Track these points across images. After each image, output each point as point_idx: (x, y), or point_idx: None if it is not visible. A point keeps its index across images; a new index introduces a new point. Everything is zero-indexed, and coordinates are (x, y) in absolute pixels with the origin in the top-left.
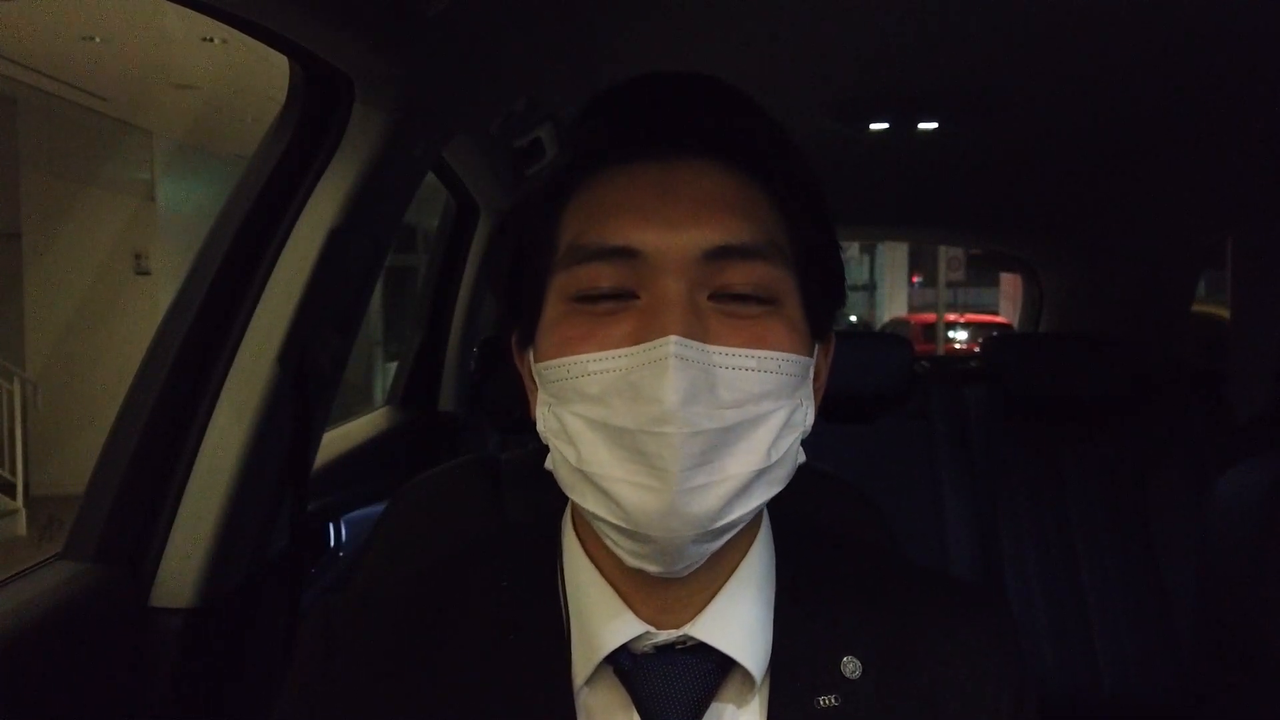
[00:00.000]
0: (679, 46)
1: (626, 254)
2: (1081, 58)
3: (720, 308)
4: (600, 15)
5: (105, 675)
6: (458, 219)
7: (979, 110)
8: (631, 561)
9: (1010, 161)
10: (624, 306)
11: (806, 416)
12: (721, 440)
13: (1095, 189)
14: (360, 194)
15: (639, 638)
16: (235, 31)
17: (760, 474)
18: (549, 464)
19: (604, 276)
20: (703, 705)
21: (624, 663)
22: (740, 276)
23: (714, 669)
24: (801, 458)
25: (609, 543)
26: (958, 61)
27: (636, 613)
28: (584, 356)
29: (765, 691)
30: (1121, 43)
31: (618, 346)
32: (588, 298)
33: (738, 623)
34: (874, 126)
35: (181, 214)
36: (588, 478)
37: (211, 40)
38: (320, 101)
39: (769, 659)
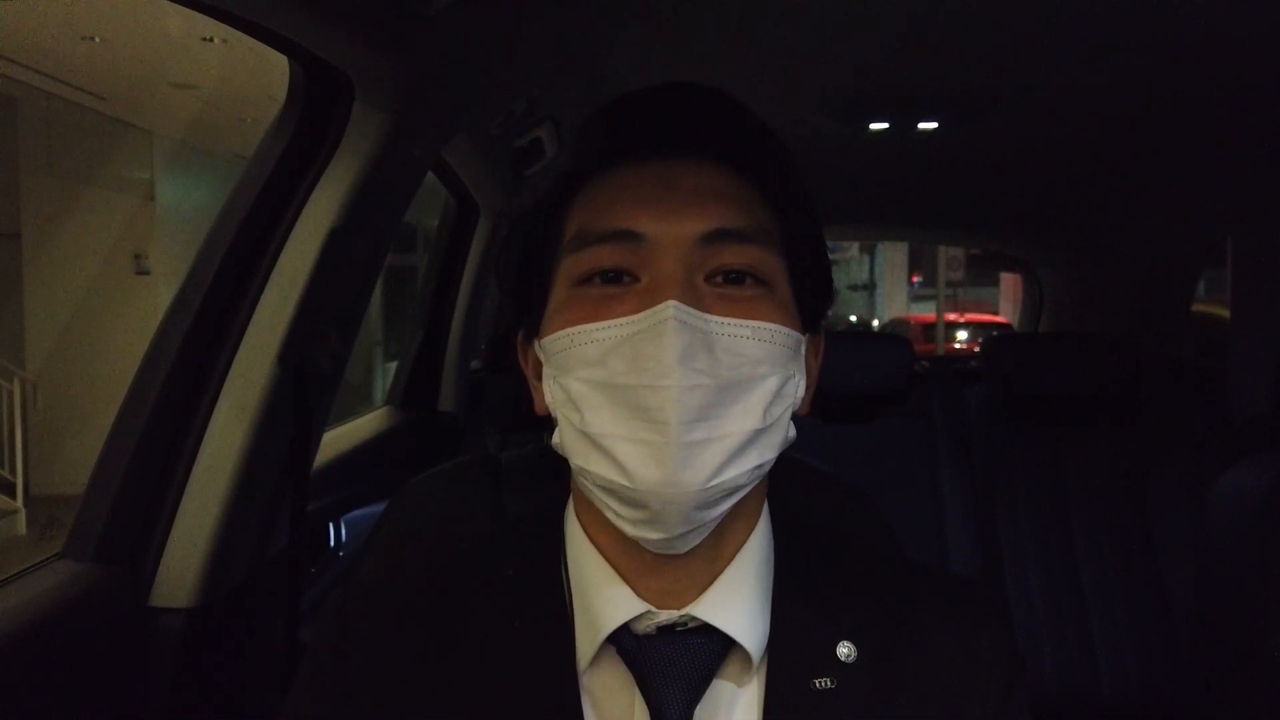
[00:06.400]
0: (679, 46)
1: (629, 237)
2: (1081, 58)
3: (716, 289)
4: (601, 15)
5: (105, 675)
6: (458, 219)
7: (979, 110)
8: (632, 531)
9: (1010, 161)
10: (626, 290)
11: (798, 389)
12: (719, 398)
13: (1095, 189)
14: (360, 194)
15: (641, 618)
16: (235, 31)
17: (757, 434)
18: (555, 439)
19: (608, 257)
20: (703, 684)
21: (627, 643)
22: (734, 258)
23: (714, 649)
24: (793, 433)
25: (610, 515)
26: (958, 61)
27: (639, 595)
28: (586, 326)
29: (763, 673)
30: (1121, 43)
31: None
32: (592, 280)
33: (738, 605)
34: (874, 126)
35: (181, 214)
36: (592, 441)
37: (211, 40)
38: (320, 101)
39: (767, 642)
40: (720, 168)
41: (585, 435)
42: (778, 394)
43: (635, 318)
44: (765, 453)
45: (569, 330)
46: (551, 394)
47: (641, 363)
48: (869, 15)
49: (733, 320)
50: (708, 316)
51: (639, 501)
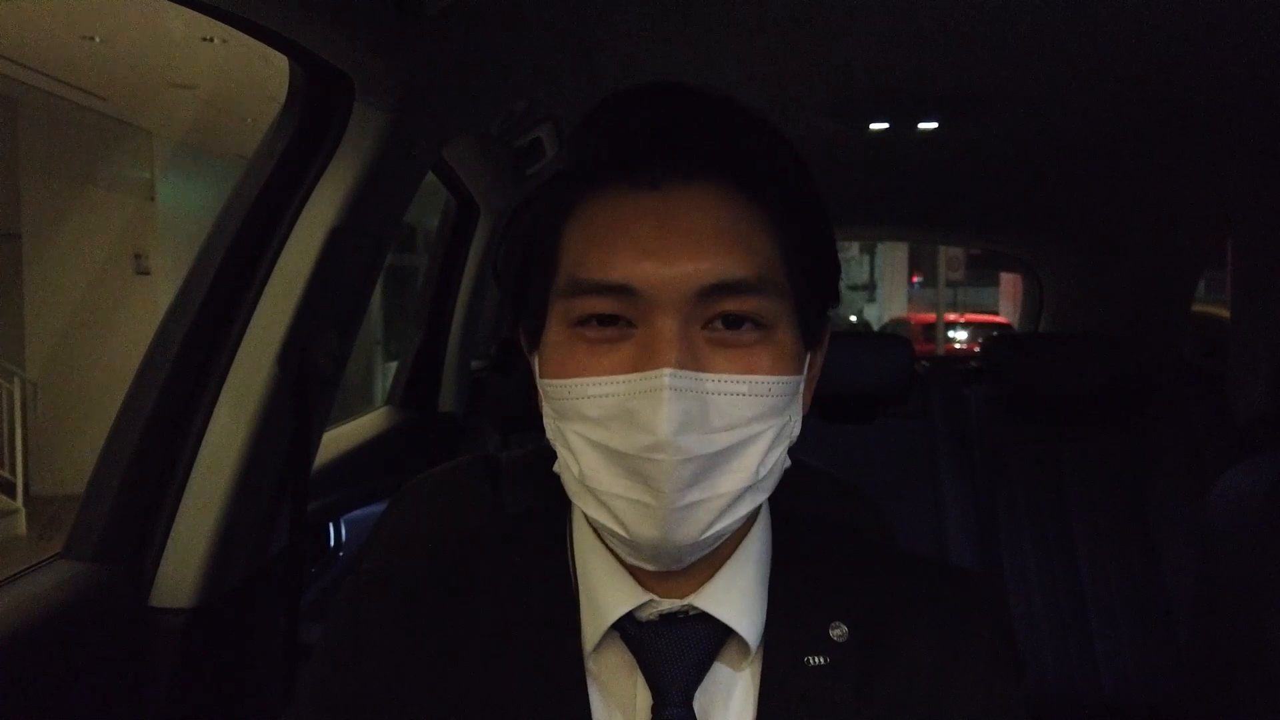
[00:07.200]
0: (679, 46)
1: (624, 290)
2: (1082, 58)
3: (713, 336)
4: (601, 15)
5: (105, 675)
6: (458, 219)
7: (979, 110)
8: (630, 561)
9: (1010, 161)
10: (622, 335)
11: (794, 429)
12: (713, 463)
13: (1095, 189)
14: (360, 194)
15: (645, 606)
16: (235, 31)
17: (748, 490)
18: (557, 468)
19: (602, 307)
20: (702, 669)
21: (630, 629)
22: (734, 307)
23: (713, 636)
24: (788, 463)
25: (610, 544)
26: (958, 61)
27: (642, 586)
28: (584, 380)
29: (760, 656)
30: (1121, 43)
31: (616, 373)
32: (588, 322)
33: (736, 595)
34: (874, 126)
35: (181, 214)
36: (590, 491)
37: (211, 40)
38: (320, 101)
39: (763, 628)
40: (723, 196)
41: (584, 486)
42: (771, 446)
43: (631, 378)
44: (757, 498)
45: (567, 382)
46: (551, 431)
47: (637, 433)
48: (869, 15)
49: (729, 377)
50: (703, 376)
51: (636, 547)
